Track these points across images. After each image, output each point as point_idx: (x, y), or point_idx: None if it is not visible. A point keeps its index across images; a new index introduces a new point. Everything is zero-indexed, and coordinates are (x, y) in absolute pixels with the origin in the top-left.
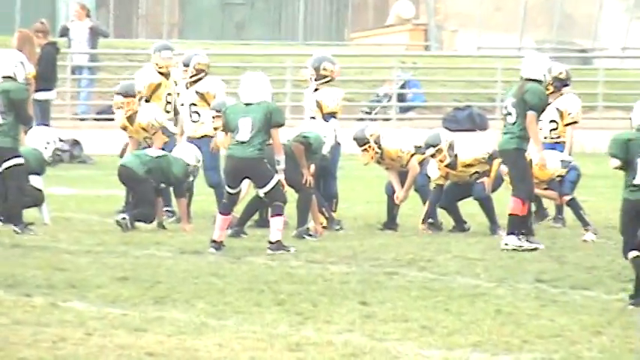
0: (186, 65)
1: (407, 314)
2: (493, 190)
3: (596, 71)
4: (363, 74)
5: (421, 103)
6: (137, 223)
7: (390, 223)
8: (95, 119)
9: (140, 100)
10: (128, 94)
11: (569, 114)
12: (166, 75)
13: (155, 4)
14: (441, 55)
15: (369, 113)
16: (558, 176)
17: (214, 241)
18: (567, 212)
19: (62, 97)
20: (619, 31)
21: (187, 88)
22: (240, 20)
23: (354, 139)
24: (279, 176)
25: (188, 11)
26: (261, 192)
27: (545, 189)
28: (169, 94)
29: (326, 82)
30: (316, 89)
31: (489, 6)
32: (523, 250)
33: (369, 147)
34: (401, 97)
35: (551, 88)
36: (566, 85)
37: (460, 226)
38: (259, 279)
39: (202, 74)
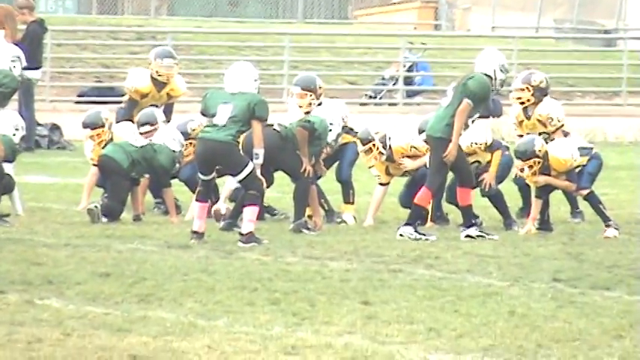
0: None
1: (412, 315)
2: (500, 182)
3: (621, 53)
4: (368, 55)
5: (430, 87)
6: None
7: None
8: (76, 102)
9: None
10: (96, 125)
11: (550, 119)
12: (161, 85)
13: None
14: (453, 35)
15: (374, 97)
16: (577, 166)
17: (195, 232)
18: (586, 206)
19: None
20: None
21: None
22: None
23: (359, 139)
24: (255, 165)
25: None
26: (236, 180)
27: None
28: (154, 105)
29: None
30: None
31: None
32: (415, 240)
33: (373, 145)
34: (408, 81)
35: (532, 99)
36: (546, 95)
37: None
38: (252, 276)
39: None
